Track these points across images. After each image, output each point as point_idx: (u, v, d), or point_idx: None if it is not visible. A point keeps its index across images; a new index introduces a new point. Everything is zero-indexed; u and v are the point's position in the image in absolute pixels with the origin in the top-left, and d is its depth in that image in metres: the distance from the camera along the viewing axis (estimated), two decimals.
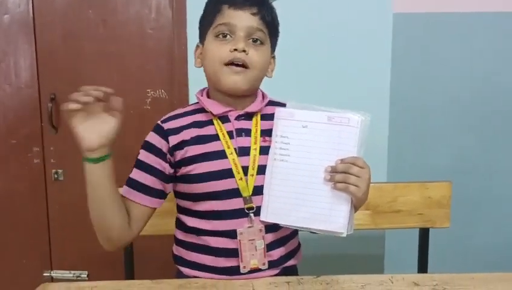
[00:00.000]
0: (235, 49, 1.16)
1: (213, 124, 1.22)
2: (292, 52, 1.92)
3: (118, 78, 2.07)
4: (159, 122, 1.25)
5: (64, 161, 2.13)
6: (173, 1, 2.00)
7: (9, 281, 2.21)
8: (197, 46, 1.27)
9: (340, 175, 1.11)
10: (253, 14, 1.19)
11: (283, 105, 1.22)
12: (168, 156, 1.21)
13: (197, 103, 1.27)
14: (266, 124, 1.24)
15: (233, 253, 1.19)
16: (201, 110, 1.25)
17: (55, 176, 2.14)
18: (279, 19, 1.27)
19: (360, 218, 1.62)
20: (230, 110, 1.23)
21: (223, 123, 1.22)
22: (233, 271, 1.20)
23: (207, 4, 1.26)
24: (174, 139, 1.21)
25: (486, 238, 2.23)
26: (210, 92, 1.26)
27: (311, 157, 1.13)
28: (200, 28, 1.27)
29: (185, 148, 1.20)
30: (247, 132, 1.22)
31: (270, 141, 1.20)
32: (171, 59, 2.04)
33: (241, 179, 1.18)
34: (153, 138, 1.23)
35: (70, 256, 2.19)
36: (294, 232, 1.29)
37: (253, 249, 1.19)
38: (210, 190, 1.19)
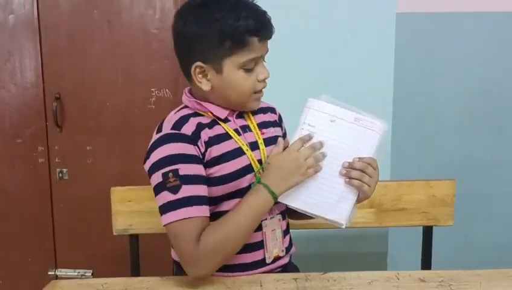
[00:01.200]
0: (264, 79, 1.20)
1: (217, 124, 1.22)
2: (295, 52, 1.94)
3: (123, 78, 2.07)
4: (174, 131, 1.18)
5: (69, 160, 2.14)
6: (178, 2, 2.01)
7: (14, 279, 2.21)
8: (200, 66, 1.18)
9: (356, 172, 1.16)
10: (269, 39, 1.21)
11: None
12: (204, 159, 1.19)
13: (185, 107, 1.24)
14: (258, 118, 1.30)
15: (258, 246, 1.23)
16: (197, 113, 1.23)
17: (60, 175, 2.15)
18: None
19: (365, 216, 1.63)
20: (230, 111, 1.24)
21: (225, 123, 1.23)
22: (258, 264, 1.23)
23: (225, 29, 1.13)
24: (201, 143, 1.18)
25: (489, 236, 2.23)
26: (206, 98, 1.22)
27: (332, 150, 1.18)
28: (205, 50, 1.17)
29: (209, 149, 1.19)
30: (248, 128, 1.27)
31: (268, 133, 1.27)
32: (175, 59, 2.01)
33: (259, 172, 1.21)
34: (184, 148, 1.16)
35: (75, 255, 2.19)
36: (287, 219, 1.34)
37: (274, 239, 1.24)
38: (236, 188, 1.20)
